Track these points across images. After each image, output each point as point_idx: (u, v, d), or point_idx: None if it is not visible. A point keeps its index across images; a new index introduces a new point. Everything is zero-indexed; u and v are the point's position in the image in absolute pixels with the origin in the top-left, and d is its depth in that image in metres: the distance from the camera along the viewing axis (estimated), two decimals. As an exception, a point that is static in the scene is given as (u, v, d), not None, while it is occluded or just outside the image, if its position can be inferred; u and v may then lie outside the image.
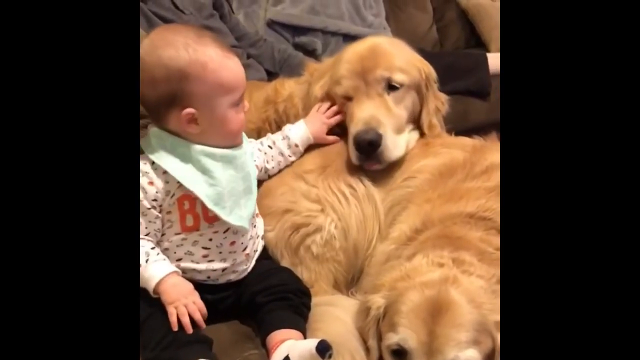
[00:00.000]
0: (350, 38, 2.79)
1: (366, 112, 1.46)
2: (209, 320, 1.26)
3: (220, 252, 1.29)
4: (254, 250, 1.37)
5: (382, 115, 1.46)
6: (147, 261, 1.21)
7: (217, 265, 1.29)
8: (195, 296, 1.21)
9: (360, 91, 1.50)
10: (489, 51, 2.95)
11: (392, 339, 1.07)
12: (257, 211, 1.40)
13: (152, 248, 1.24)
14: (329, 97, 1.56)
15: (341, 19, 2.78)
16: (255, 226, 1.38)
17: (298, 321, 1.26)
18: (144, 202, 1.22)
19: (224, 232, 1.29)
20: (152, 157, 1.24)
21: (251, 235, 1.35)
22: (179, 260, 1.28)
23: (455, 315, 1.04)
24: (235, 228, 1.28)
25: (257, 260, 1.38)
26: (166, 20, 2.01)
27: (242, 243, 1.32)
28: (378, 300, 1.13)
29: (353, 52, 1.54)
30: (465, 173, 1.37)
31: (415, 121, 1.56)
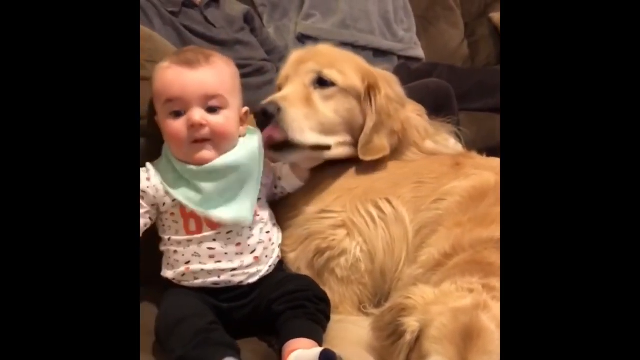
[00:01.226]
0: (380, 53, 2.81)
1: (278, 94, 1.44)
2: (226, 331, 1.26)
3: (226, 253, 1.31)
4: (265, 256, 1.36)
5: (294, 97, 1.41)
6: None
7: (225, 265, 1.31)
8: None
9: (289, 79, 1.48)
10: (520, 68, 2.92)
11: (426, 364, 1.05)
12: (274, 220, 1.42)
13: None
14: None
15: (372, 34, 2.78)
16: (268, 232, 1.38)
17: (313, 329, 1.26)
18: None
19: (227, 234, 1.31)
20: (152, 168, 1.34)
21: (261, 240, 1.35)
22: (188, 263, 1.30)
23: (487, 342, 1.02)
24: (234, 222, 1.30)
25: (274, 271, 1.37)
26: (197, 34, 2.03)
27: (248, 245, 1.32)
28: (414, 324, 1.10)
29: (295, 51, 1.56)
30: (497, 196, 1.33)
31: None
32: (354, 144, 1.50)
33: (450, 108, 2.25)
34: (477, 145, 1.62)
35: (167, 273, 1.35)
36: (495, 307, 1.07)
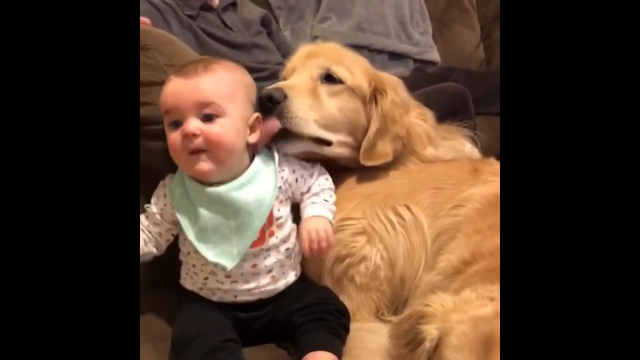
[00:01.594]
0: (396, 56, 2.80)
1: (285, 82, 1.42)
2: (243, 341, 1.26)
3: (242, 274, 1.28)
4: (283, 273, 1.34)
5: (301, 88, 1.39)
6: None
7: (242, 286, 1.29)
8: None
9: (295, 71, 1.46)
10: (537, 71, 2.90)
11: (446, 374, 1.04)
12: (295, 233, 1.37)
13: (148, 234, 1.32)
14: None
15: (388, 37, 2.77)
16: (287, 249, 1.34)
17: (334, 342, 1.25)
18: (153, 207, 1.32)
19: (243, 255, 1.27)
20: (170, 178, 1.33)
21: (278, 259, 1.32)
22: (206, 279, 1.29)
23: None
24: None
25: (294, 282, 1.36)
26: (214, 37, 2.03)
27: (265, 266, 1.30)
28: (433, 332, 1.09)
29: (304, 46, 1.54)
30: (516, 204, 1.33)
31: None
32: (355, 146, 1.48)
33: (467, 112, 2.24)
34: (494, 149, 1.60)
35: (186, 284, 1.34)
36: (517, 315, 1.06)
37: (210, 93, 1.24)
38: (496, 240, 1.26)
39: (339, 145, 1.45)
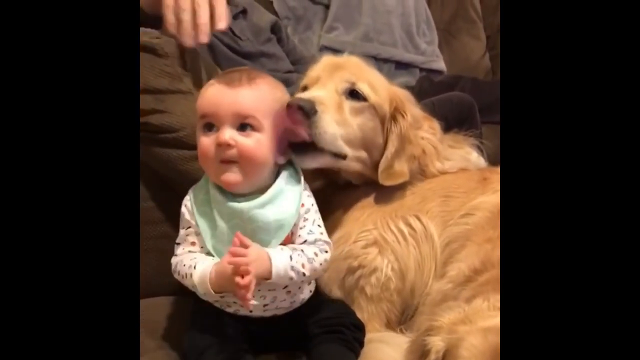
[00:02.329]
0: (402, 65, 2.81)
1: (314, 93, 1.37)
2: (256, 350, 1.27)
3: (259, 290, 1.23)
4: (299, 287, 1.30)
5: (329, 103, 1.36)
6: (195, 266, 1.20)
7: (257, 301, 1.24)
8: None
9: (319, 81, 1.43)
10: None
11: (453, 385, 1.04)
12: None
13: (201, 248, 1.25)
14: None
15: (394, 47, 2.78)
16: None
17: (348, 356, 1.24)
18: (191, 230, 1.27)
19: None
20: (196, 189, 1.29)
21: None
22: (223, 295, 1.25)
23: (518, 364, 1.01)
24: None
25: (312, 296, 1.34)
26: (224, 43, 2.04)
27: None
28: (438, 344, 1.09)
29: (329, 57, 1.53)
30: (527, 213, 1.33)
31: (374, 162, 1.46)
32: (367, 162, 1.47)
33: (473, 121, 2.24)
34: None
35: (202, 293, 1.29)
36: (527, 326, 1.05)
37: (251, 106, 1.22)
38: (507, 249, 1.26)
39: (352, 160, 1.44)
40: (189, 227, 1.26)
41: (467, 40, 3.15)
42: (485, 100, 2.53)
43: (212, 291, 1.17)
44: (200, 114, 1.24)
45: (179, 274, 1.23)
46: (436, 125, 1.59)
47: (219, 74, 1.31)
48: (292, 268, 1.19)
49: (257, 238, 1.20)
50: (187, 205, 1.27)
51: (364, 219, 1.43)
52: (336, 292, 1.41)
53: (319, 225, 1.29)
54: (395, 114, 1.47)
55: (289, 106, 1.30)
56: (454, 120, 1.92)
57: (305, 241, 1.25)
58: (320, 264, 1.24)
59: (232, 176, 1.21)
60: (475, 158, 1.77)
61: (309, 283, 1.33)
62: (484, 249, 1.30)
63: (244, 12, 2.17)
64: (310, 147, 1.35)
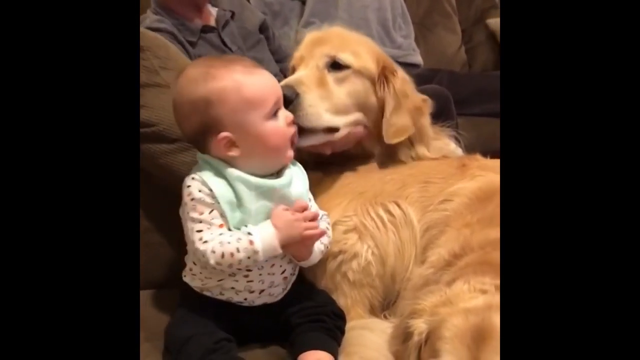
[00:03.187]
0: (379, 60, 2.82)
1: (294, 76, 1.44)
2: (244, 343, 1.27)
3: (260, 274, 1.27)
4: (292, 274, 1.35)
5: (309, 81, 1.42)
6: (229, 242, 1.20)
7: (255, 286, 1.28)
8: (296, 216, 1.25)
9: (302, 61, 1.48)
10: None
11: (436, 365, 1.05)
12: None
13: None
14: None
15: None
16: None
17: (330, 344, 1.25)
18: (206, 211, 1.22)
19: None
20: (202, 175, 1.25)
21: (290, 260, 1.32)
22: (220, 280, 1.27)
23: (499, 343, 1.02)
24: None
25: (293, 283, 1.36)
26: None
27: (280, 266, 1.30)
28: (421, 326, 1.11)
29: (310, 33, 1.56)
30: (504, 197, 1.35)
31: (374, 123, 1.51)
32: (366, 124, 1.51)
33: (449, 113, 2.28)
34: (477, 149, 1.64)
35: (194, 282, 1.30)
36: (509, 308, 1.07)
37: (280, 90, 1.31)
38: (485, 233, 1.28)
39: (349, 127, 1.48)
40: (212, 210, 1.22)
41: (443, 34, 3.19)
42: (462, 93, 2.57)
43: (279, 249, 1.22)
44: (274, 100, 1.26)
45: (221, 256, 1.19)
46: (428, 101, 1.62)
47: (222, 64, 1.27)
48: (319, 248, 1.32)
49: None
50: (204, 190, 1.23)
51: (345, 205, 1.45)
52: (320, 278, 1.42)
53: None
54: (385, 73, 1.52)
55: None
56: (431, 113, 1.94)
57: (321, 217, 1.35)
58: (330, 234, 1.37)
59: (293, 149, 1.32)
60: (453, 149, 1.79)
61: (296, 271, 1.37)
62: (463, 234, 1.32)
63: (232, 16, 2.17)
64: (300, 128, 1.39)
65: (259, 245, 1.20)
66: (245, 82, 1.24)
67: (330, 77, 1.46)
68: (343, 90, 1.47)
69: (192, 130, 1.27)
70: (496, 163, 1.51)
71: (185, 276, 1.32)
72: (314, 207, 1.36)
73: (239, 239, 1.20)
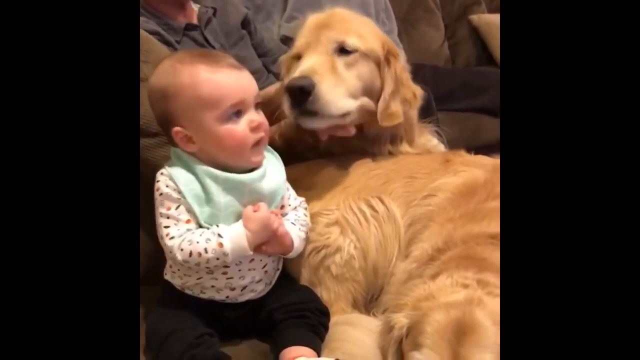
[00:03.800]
0: (363, 55, 2.82)
1: (306, 64, 1.43)
2: (228, 338, 1.27)
3: (240, 270, 1.27)
4: (274, 269, 1.35)
5: (322, 69, 1.42)
6: (197, 242, 1.19)
7: (236, 282, 1.27)
8: (266, 215, 1.24)
9: (310, 48, 1.47)
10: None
11: (416, 358, 1.05)
12: None
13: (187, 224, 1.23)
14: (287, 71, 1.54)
15: (354, 36, 2.79)
16: None
17: (313, 340, 1.25)
18: (173, 207, 1.22)
19: None
20: (171, 170, 1.25)
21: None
22: (199, 278, 1.26)
23: (481, 337, 1.02)
24: None
25: (277, 279, 1.36)
26: None
27: (261, 260, 1.29)
28: (401, 320, 1.11)
29: (313, 17, 1.55)
30: (487, 193, 1.35)
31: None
32: (370, 108, 1.51)
33: (430, 109, 2.28)
34: (460, 145, 1.65)
35: (174, 280, 1.30)
36: (491, 303, 1.07)
37: (255, 88, 1.29)
38: (468, 228, 1.29)
39: (357, 112, 1.49)
40: (179, 206, 1.22)
41: (426, 29, 3.20)
42: (446, 88, 2.58)
43: (249, 250, 1.22)
44: (231, 103, 1.22)
45: (189, 254, 1.19)
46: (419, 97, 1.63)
47: (196, 59, 1.26)
48: (298, 236, 1.32)
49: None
50: (171, 185, 1.23)
51: (328, 199, 1.45)
52: (303, 272, 1.42)
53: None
54: (389, 56, 1.53)
55: (288, 89, 1.37)
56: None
57: (296, 207, 1.37)
58: (309, 222, 1.39)
59: (262, 153, 1.29)
60: (436, 144, 1.80)
61: (279, 268, 1.37)
62: (446, 229, 1.32)
63: (214, 13, 2.14)
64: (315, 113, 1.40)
65: (228, 247, 1.19)
66: (203, 80, 1.22)
67: (340, 62, 1.46)
68: (353, 74, 1.47)
69: (157, 119, 1.31)
70: (480, 159, 1.53)
71: (166, 274, 1.32)
72: (292, 196, 1.36)
73: (208, 239, 1.19)
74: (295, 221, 1.34)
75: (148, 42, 1.52)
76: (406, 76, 1.57)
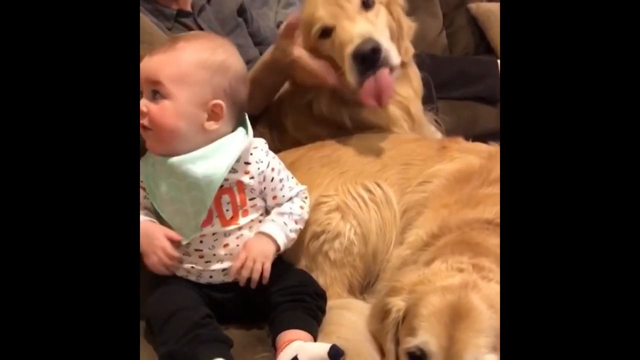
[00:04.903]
0: (361, 42, 2.81)
1: (355, 29, 1.46)
2: (219, 321, 1.26)
3: (215, 255, 1.28)
4: None
5: (370, 27, 1.48)
6: None
7: (215, 266, 1.29)
8: (164, 241, 1.25)
9: (339, 16, 1.50)
10: (498, 58, 2.95)
11: (412, 342, 1.06)
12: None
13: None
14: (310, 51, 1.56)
15: (352, 23, 2.78)
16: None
17: (310, 323, 1.26)
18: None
19: (213, 235, 1.28)
20: (142, 161, 1.29)
21: (251, 237, 1.31)
22: (180, 262, 1.28)
23: (475, 321, 1.04)
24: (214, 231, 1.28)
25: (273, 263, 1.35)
26: None
27: (237, 245, 1.29)
28: (398, 303, 1.12)
29: None
30: (482, 179, 1.36)
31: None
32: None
33: (429, 97, 2.27)
34: (456, 133, 1.65)
35: None
36: (486, 287, 1.09)
37: (158, 72, 1.23)
38: (463, 214, 1.30)
39: None
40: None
41: (424, 17, 3.16)
42: (443, 76, 2.56)
43: None
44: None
45: None
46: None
47: (171, 38, 1.33)
48: (291, 231, 1.32)
49: (191, 194, 1.25)
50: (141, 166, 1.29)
51: (326, 185, 1.45)
52: (300, 258, 1.42)
53: (292, 178, 1.37)
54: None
55: (358, 56, 1.42)
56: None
57: (291, 198, 1.35)
58: (307, 212, 1.37)
59: (149, 142, 1.27)
60: (433, 132, 1.80)
61: None
62: (441, 215, 1.33)
63: (209, 1, 2.12)
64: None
65: None
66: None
67: (371, 16, 1.52)
68: (381, 24, 1.53)
69: None
70: (476, 146, 1.53)
71: None
72: (287, 186, 1.34)
73: None
74: (286, 214, 1.32)
75: (141, 21, 1.50)
76: (400, 11, 1.65)
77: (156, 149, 1.26)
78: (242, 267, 1.26)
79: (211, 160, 1.25)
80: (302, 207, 1.36)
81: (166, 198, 1.26)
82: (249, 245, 1.28)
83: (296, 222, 1.34)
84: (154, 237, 1.25)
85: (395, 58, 1.48)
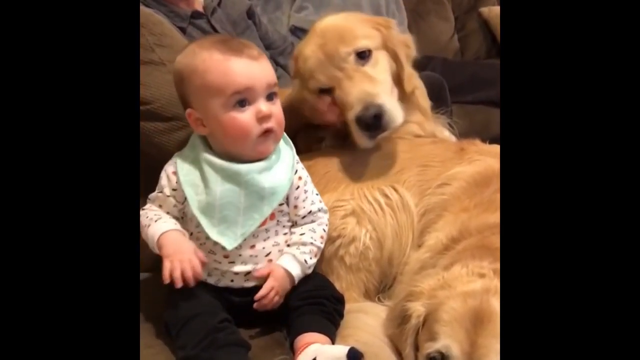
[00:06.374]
0: (372, 46, 2.81)
1: (355, 92, 1.43)
2: (239, 325, 1.25)
3: (240, 255, 1.28)
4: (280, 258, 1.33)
5: (370, 87, 1.44)
6: (156, 220, 1.27)
7: (239, 268, 1.28)
8: (193, 256, 1.22)
9: (337, 77, 1.47)
10: (510, 62, 2.94)
11: (433, 346, 1.05)
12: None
13: (167, 214, 1.30)
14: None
15: (364, 27, 2.78)
16: (285, 234, 1.34)
17: (328, 327, 1.25)
18: (165, 190, 1.29)
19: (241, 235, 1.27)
20: (178, 158, 1.31)
21: (276, 242, 1.31)
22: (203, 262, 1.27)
23: (497, 327, 1.01)
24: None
25: None
26: None
27: (263, 248, 1.29)
28: (419, 309, 1.11)
29: (308, 47, 1.52)
30: (502, 183, 1.35)
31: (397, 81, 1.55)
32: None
33: (444, 100, 2.27)
34: (470, 137, 1.63)
35: None
36: (507, 292, 1.07)
37: (274, 75, 1.29)
38: (483, 218, 1.28)
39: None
40: (161, 192, 1.30)
41: (436, 21, 3.18)
42: (456, 80, 2.55)
43: (157, 250, 1.25)
44: (233, 91, 1.23)
45: (141, 224, 1.28)
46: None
47: (214, 46, 1.27)
48: (309, 268, 1.32)
49: (249, 203, 1.25)
50: (169, 172, 1.30)
51: (342, 189, 1.44)
52: (317, 263, 1.39)
53: (316, 194, 1.38)
54: (387, 33, 1.55)
55: (361, 122, 1.40)
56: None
57: (310, 212, 1.34)
58: (325, 236, 1.36)
59: (272, 145, 1.29)
60: (447, 136, 1.79)
61: None
62: (461, 218, 1.32)
63: (219, 3, 2.13)
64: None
65: (149, 233, 1.26)
66: (212, 67, 1.24)
67: (368, 69, 1.47)
68: (381, 71, 1.49)
69: (180, 100, 1.34)
70: (494, 148, 1.51)
71: None
72: (310, 200, 1.34)
73: (151, 219, 1.27)
74: (308, 245, 1.32)
75: (162, 25, 1.51)
76: (397, 35, 1.58)
77: (270, 150, 1.28)
78: (265, 297, 1.26)
79: (274, 172, 1.29)
80: (322, 237, 1.35)
81: (217, 204, 1.25)
82: (277, 276, 1.27)
83: (315, 256, 1.33)
84: (184, 250, 1.23)
85: (399, 118, 1.43)
